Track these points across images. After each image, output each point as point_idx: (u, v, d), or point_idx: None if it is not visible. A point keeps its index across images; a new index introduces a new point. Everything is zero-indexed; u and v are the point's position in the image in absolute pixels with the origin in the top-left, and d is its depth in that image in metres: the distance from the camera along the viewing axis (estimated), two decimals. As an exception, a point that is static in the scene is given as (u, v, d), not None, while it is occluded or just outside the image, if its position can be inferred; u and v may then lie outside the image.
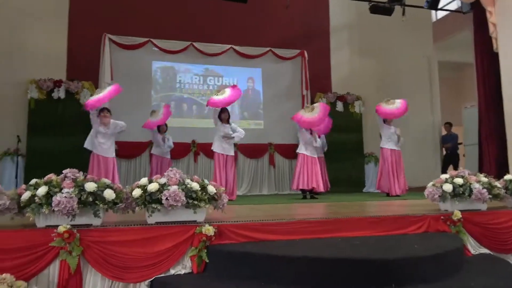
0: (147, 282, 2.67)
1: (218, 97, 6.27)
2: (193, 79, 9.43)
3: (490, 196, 3.64)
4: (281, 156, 9.60)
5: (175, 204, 2.75)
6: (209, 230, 2.78)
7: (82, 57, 8.39)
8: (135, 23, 8.80)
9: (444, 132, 10.31)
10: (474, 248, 3.41)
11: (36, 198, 2.56)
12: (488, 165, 7.37)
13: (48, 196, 2.57)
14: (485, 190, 3.57)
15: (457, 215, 3.38)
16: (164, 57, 9.15)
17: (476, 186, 3.56)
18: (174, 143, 7.81)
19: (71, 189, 2.59)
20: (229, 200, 5.89)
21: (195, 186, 2.86)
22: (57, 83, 8.04)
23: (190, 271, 2.76)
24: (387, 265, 2.47)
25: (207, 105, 6.56)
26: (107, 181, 2.78)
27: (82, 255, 2.59)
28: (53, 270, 2.55)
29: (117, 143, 6.28)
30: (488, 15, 6.61)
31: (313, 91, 9.76)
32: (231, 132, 6.42)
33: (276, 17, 9.62)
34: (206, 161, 8.86)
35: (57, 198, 2.54)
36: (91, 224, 2.71)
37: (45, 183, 2.62)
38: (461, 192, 3.50)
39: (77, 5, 8.63)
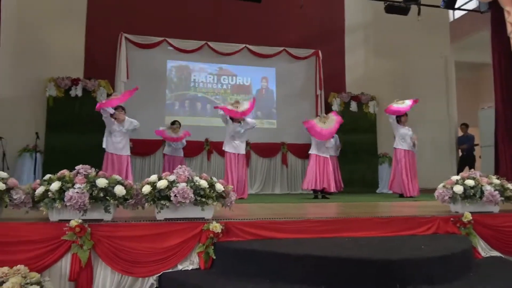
0: (155, 277, 2.73)
1: (237, 110, 6.22)
2: (208, 78, 9.52)
3: (502, 198, 3.59)
4: (294, 156, 9.62)
5: (184, 201, 2.81)
6: (216, 227, 2.83)
7: (99, 56, 8.59)
8: (151, 22, 8.94)
9: (460, 133, 10.15)
10: (484, 250, 3.36)
11: (49, 193, 2.65)
12: (504, 167, 7.21)
13: (61, 191, 2.65)
14: (497, 192, 3.53)
15: (467, 217, 3.35)
16: (179, 56, 9.26)
17: (488, 188, 3.51)
18: (187, 141, 7.87)
19: (83, 185, 2.67)
20: (240, 198, 6.01)
21: (203, 183, 2.91)
22: (75, 81, 8.20)
23: (198, 267, 2.82)
24: (390, 265, 2.46)
25: (220, 110, 6.37)
26: (118, 177, 2.85)
27: (93, 249, 2.66)
28: (65, 263, 2.64)
29: (132, 140, 6.36)
30: (506, 15, 6.46)
31: (327, 91, 9.73)
32: (239, 129, 6.38)
33: (291, 16, 9.61)
34: (219, 159, 8.91)
35: (69, 193, 2.62)
36: (102, 219, 2.79)
37: (58, 179, 2.71)
38: (472, 194, 3.47)
39: (94, 6, 8.82)
